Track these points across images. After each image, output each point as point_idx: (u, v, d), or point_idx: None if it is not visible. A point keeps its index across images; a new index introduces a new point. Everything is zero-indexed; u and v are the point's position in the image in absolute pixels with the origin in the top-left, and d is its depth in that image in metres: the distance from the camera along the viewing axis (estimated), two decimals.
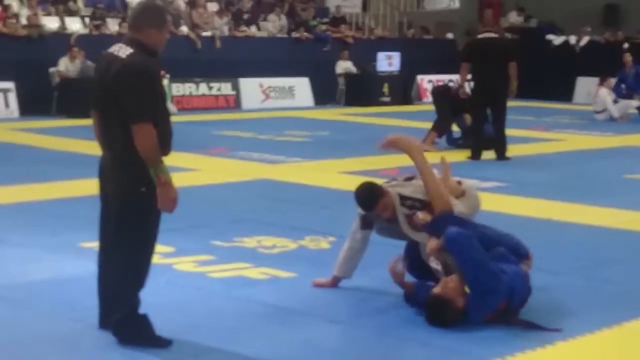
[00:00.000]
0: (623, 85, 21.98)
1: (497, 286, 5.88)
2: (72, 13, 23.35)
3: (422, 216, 6.36)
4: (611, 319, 6.12)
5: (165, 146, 5.43)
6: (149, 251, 5.55)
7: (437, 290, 5.97)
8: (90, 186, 11.15)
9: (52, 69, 20.55)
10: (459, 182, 6.90)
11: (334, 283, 6.79)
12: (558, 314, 6.28)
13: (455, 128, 15.80)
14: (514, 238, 6.57)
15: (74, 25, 22.70)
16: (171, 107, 21.51)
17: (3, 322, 6.05)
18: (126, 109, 5.21)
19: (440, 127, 15.53)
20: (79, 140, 15.87)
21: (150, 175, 5.27)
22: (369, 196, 6.45)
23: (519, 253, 6.41)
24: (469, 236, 5.99)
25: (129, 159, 5.28)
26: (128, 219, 5.40)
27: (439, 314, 5.90)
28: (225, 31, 24.71)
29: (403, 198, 6.50)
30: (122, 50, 5.29)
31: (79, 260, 7.59)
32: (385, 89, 24.98)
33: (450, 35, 29.73)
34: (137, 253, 5.50)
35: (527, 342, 5.62)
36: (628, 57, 22.25)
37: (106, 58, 5.39)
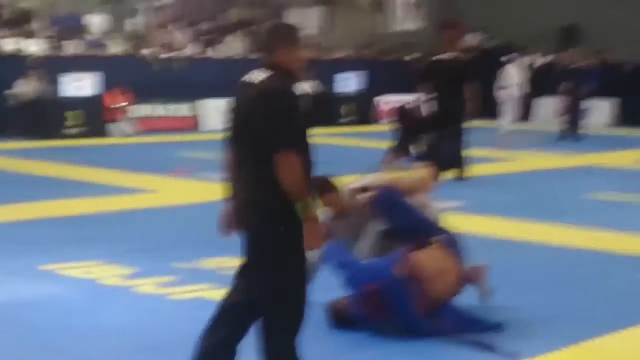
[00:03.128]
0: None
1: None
2: (30, 35, 23.23)
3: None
4: (570, 338, 6.14)
5: (308, 178, 4.72)
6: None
7: None
8: (49, 208, 11.16)
9: (9, 91, 20.41)
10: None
11: None
12: (518, 333, 6.28)
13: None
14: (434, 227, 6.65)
15: (33, 47, 22.58)
16: (129, 129, 21.44)
17: None
18: (266, 140, 4.62)
19: (402, 148, 15.56)
20: (37, 162, 15.77)
21: (295, 211, 4.64)
22: (313, 188, 6.43)
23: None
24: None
25: (265, 200, 4.71)
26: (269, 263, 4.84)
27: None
28: (186, 53, 24.67)
29: (364, 189, 6.69)
30: (256, 76, 4.77)
31: (37, 284, 7.50)
32: (345, 109, 25.02)
33: (412, 57, 29.86)
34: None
35: None
36: (579, 54, 22.42)
37: (242, 87, 4.84)
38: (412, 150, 15.77)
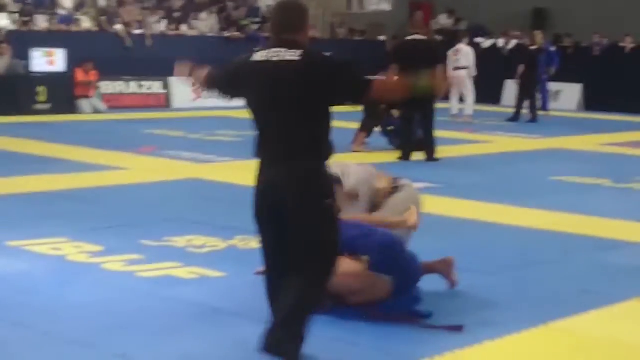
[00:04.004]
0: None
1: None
2: (0, 9, 23.05)
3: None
4: (538, 318, 6.19)
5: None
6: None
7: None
8: (18, 184, 11.11)
9: None
10: (395, 180, 6.99)
11: None
12: (486, 313, 6.34)
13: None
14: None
15: (2, 21, 22.40)
16: (100, 105, 21.36)
17: None
18: (346, 91, 5.02)
19: (369, 126, 15.56)
20: (6, 138, 15.68)
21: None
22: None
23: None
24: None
25: (317, 170, 4.98)
26: (324, 235, 5.02)
27: None
28: (157, 29, 24.56)
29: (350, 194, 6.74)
30: (290, 54, 4.91)
31: (4, 260, 7.49)
32: None
33: (382, 37, 29.89)
34: (331, 272, 5.16)
35: (455, 342, 5.66)
36: (539, 36, 22.50)
37: (266, 66, 4.94)
38: (378, 129, 15.78)
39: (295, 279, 5.01)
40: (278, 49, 4.97)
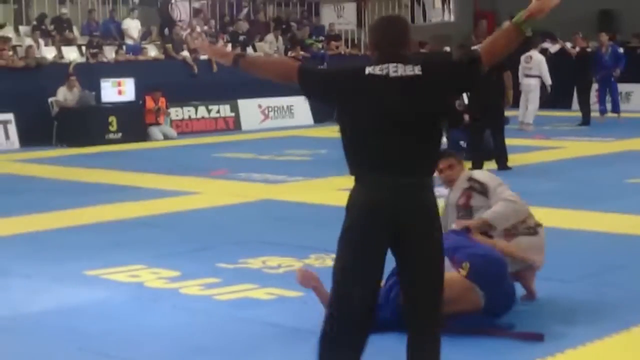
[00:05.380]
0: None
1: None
2: (68, 42, 23.41)
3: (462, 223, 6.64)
4: (619, 324, 6.10)
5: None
6: None
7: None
8: (92, 213, 11.23)
9: (51, 99, 20.58)
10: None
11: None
12: (566, 321, 6.25)
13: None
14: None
15: (71, 54, 22.75)
16: (171, 131, 21.56)
17: (9, 353, 6.04)
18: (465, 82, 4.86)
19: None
20: (80, 168, 15.89)
21: None
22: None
23: None
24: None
25: (428, 183, 4.73)
26: (438, 257, 4.74)
27: None
28: None
29: (471, 179, 6.94)
30: (409, 69, 4.69)
31: (83, 289, 7.57)
32: None
33: (447, 48, 29.74)
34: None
35: (536, 351, 5.59)
36: (604, 37, 22.26)
37: (381, 80, 4.69)
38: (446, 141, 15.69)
39: (427, 340, 4.70)
40: (391, 65, 4.71)
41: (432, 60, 4.78)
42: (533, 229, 6.86)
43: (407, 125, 4.66)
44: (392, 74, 4.68)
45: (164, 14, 25.86)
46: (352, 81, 4.77)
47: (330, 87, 4.86)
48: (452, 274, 6.01)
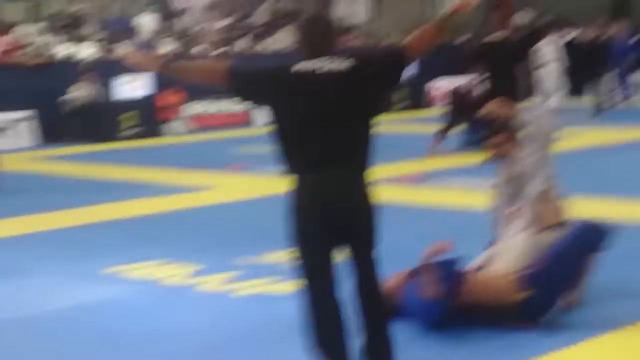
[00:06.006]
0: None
1: None
2: (81, 39, 23.44)
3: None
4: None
5: None
6: None
7: None
8: (109, 210, 11.22)
9: (64, 97, 20.60)
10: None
11: None
12: (591, 309, 6.21)
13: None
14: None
15: (84, 51, 22.76)
16: (186, 126, 21.55)
17: (27, 351, 6.04)
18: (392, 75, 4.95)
19: (449, 129, 15.61)
20: (94, 166, 15.89)
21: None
22: None
23: None
24: None
25: (367, 170, 4.85)
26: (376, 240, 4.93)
27: None
28: (235, 49, 24.72)
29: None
30: (337, 63, 4.79)
31: (102, 287, 7.56)
32: (397, 96, 24.94)
33: (462, 38, 29.63)
34: None
35: (536, 351, 5.54)
36: (622, 25, 22.18)
37: (310, 76, 4.78)
38: (455, 133, 15.70)
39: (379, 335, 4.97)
40: (316, 61, 4.81)
41: (359, 54, 4.88)
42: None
43: (338, 119, 4.74)
44: (319, 70, 4.77)
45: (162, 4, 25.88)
46: (279, 80, 4.87)
47: (259, 88, 4.96)
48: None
